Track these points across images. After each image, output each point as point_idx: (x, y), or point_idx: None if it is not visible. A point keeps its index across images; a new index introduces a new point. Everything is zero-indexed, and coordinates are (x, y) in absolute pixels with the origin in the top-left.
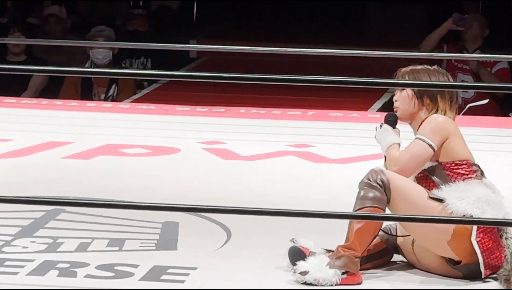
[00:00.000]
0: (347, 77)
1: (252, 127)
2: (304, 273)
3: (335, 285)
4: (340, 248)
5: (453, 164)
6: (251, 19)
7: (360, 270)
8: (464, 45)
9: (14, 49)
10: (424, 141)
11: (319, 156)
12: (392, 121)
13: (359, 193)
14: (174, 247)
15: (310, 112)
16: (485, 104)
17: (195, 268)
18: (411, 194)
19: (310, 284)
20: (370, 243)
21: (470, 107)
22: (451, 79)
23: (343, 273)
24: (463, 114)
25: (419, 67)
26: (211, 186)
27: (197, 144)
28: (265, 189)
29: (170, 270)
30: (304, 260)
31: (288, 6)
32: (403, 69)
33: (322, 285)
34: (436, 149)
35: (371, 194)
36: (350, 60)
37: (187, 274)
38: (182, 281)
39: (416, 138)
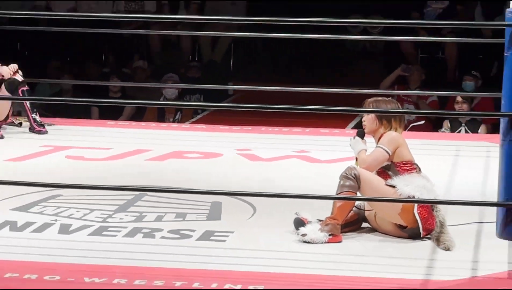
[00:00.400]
0: (332, 106)
1: (269, 139)
2: (304, 235)
3: (324, 243)
4: (327, 218)
5: (401, 163)
6: (267, 69)
7: (341, 233)
8: (408, 85)
9: (113, 89)
10: (382, 148)
11: (313, 158)
12: (361, 134)
13: (339, 182)
14: (218, 218)
15: (307, 129)
16: (422, 124)
17: (232, 232)
18: (374, 183)
19: (308, 242)
20: (347, 215)
21: (412, 126)
22: (400, 107)
23: (329, 235)
24: (407, 131)
25: (379, 98)
26: (243, 178)
27: (234, 151)
28: (278, 180)
29: (216, 233)
30: (304, 227)
31: (288, 59)
32: (369, 100)
33: (315, 243)
34: (390, 154)
35: (347, 183)
36: (336, 95)
37: (227, 236)
38: (224, 241)
39: (377, 147)
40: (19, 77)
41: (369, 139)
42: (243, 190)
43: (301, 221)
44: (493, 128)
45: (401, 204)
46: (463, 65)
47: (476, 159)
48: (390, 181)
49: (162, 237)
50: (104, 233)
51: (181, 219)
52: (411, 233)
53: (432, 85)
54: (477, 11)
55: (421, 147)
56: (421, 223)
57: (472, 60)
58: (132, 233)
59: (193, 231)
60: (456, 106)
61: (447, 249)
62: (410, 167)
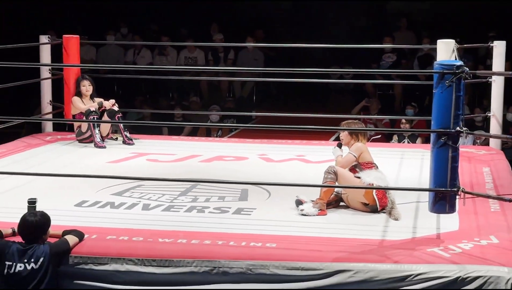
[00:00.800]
0: (320, 126)
1: (279, 148)
2: (302, 210)
3: (315, 215)
4: (317, 199)
5: (364, 163)
6: (278, 102)
7: (326, 209)
8: (370, 112)
9: (177, 115)
10: (351, 154)
11: (308, 160)
12: (339, 145)
13: (324, 175)
14: (246, 199)
15: (304, 141)
16: (379, 137)
17: (255, 208)
18: (346, 176)
19: (304, 215)
20: (330, 197)
21: (372, 139)
22: (364, 126)
23: (318, 210)
24: (370, 142)
25: (351, 121)
26: (262, 172)
27: (256, 155)
28: (285, 174)
29: (244, 209)
30: (302, 205)
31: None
32: (344, 122)
33: (309, 215)
34: (356, 157)
35: (329, 176)
36: (322, 118)
37: (252, 211)
38: (250, 214)
39: (348, 153)
40: (115, 108)
41: (345, 148)
42: (262, 181)
43: (300, 201)
44: (426, 140)
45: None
46: (406, 98)
47: (415, 161)
48: (357, 174)
49: (210, 212)
50: (172, 209)
51: (222, 200)
52: (372, 209)
53: (386, 112)
54: (415, 63)
55: (378, 152)
56: (378, 201)
57: (412, 95)
58: (189, 209)
59: (229, 208)
60: (402, 126)
61: (396, 219)
62: (370, 165)
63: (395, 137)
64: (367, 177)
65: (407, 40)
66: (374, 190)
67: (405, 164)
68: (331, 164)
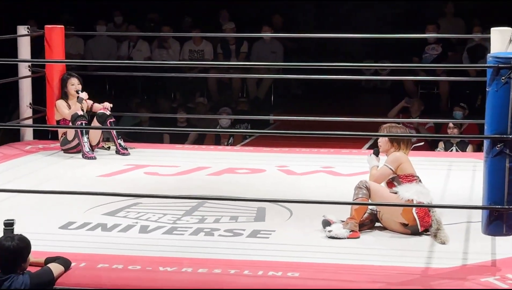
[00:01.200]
0: (351, 132)
1: (302, 158)
2: (330, 231)
3: (346, 237)
4: (347, 219)
5: (403, 176)
6: (300, 103)
7: (359, 230)
8: (410, 114)
9: (180, 120)
10: (387, 166)
11: (337, 172)
12: (376, 153)
13: (355, 191)
14: (263, 220)
15: (332, 150)
16: (422, 145)
17: (274, 231)
18: (381, 192)
19: (333, 237)
20: (363, 216)
21: (414, 146)
22: (408, 132)
23: (350, 231)
24: (411, 150)
25: (393, 124)
26: (281, 188)
27: (274, 167)
28: (309, 189)
29: (261, 232)
30: (330, 226)
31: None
32: (384, 125)
33: (339, 238)
34: (393, 170)
35: (361, 192)
36: (354, 122)
37: (270, 234)
38: (268, 237)
39: (383, 165)
40: (107, 111)
41: (383, 157)
42: (282, 198)
43: (328, 221)
44: (478, 148)
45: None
46: (454, 98)
47: (465, 172)
48: (393, 189)
49: (220, 235)
50: (175, 232)
51: (234, 220)
52: (412, 230)
53: (429, 114)
54: (464, 56)
55: (421, 163)
56: (419, 221)
57: (461, 94)
58: (196, 232)
59: (244, 230)
60: (449, 131)
61: (443, 243)
62: (411, 178)
63: (441, 145)
64: (406, 192)
65: (454, 28)
66: (414, 208)
67: (453, 177)
68: (364, 177)
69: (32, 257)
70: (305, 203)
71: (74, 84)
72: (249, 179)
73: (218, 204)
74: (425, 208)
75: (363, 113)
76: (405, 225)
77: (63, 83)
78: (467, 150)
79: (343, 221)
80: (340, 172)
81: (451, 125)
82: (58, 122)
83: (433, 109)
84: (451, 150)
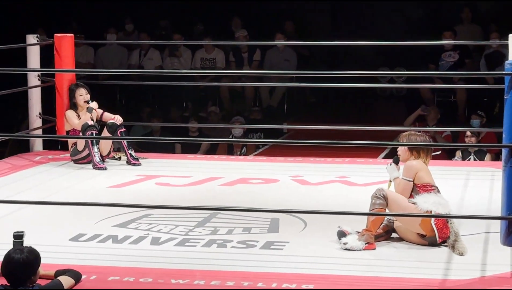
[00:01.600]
0: (366, 141)
1: (316, 168)
2: (345, 243)
3: (361, 249)
4: (363, 230)
5: (421, 185)
6: (314, 112)
7: (375, 241)
8: (427, 122)
9: (192, 129)
10: (405, 179)
11: (352, 182)
12: (396, 161)
13: (371, 201)
14: (277, 231)
15: (347, 159)
16: (439, 154)
17: (288, 242)
18: (399, 201)
19: (348, 249)
20: (379, 227)
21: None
22: (427, 140)
23: (365, 243)
24: None
25: (412, 132)
26: (295, 198)
27: (288, 177)
28: (323, 200)
29: (275, 243)
30: (345, 237)
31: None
32: (403, 133)
33: (354, 250)
34: (412, 180)
35: (378, 202)
36: (369, 131)
37: (284, 245)
38: (281, 249)
39: (401, 179)
40: (118, 121)
41: (402, 165)
42: (296, 209)
43: (343, 232)
44: (496, 157)
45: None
46: (471, 106)
47: (483, 182)
48: (411, 199)
49: (233, 247)
50: (187, 244)
51: (247, 232)
52: (430, 241)
53: (446, 122)
54: (481, 63)
55: (438, 172)
56: (437, 232)
57: (478, 102)
58: (208, 244)
59: (257, 241)
60: (466, 139)
61: (461, 254)
62: (429, 188)
63: (459, 154)
64: (424, 203)
65: (471, 35)
66: (433, 219)
67: (471, 186)
68: (382, 186)
69: (42, 270)
70: (319, 213)
71: (82, 94)
72: (263, 189)
73: (231, 215)
74: (444, 219)
75: (379, 121)
76: (422, 236)
77: (72, 93)
78: (485, 159)
79: (358, 232)
80: (355, 182)
81: (468, 133)
82: (68, 132)
83: (450, 117)
84: (469, 159)
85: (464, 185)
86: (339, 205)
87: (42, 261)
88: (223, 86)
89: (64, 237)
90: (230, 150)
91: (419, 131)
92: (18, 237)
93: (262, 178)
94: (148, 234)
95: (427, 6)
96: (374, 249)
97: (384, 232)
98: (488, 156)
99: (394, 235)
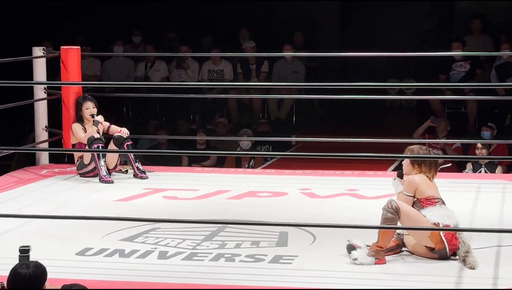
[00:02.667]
0: (375, 153)
1: (325, 180)
2: (355, 259)
3: (371, 264)
4: (373, 245)
5: (424, 199)
6: (322, 124)
7: (387, 254)
8: (437, 134)
9: (199, 142)
10: (405, 194)
11: (361, 195)
12: (400, 175)
13: (382, 214)
14: (285, 245)
15: (356, 172)
16: (449, 166)
17: (297, 256)
18: (411, 214)
19: (358, 264)
20: (390, 241)
21: (441, 168)
22: (431, 153)
23: (375, 259)
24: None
25: (417, 146)
26: (304, 212)
27: (297, 190)
28: (333, 213)
29: (284, 257)
30: (355, 250)
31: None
32: (408, 147)
33: (364, 265)
34: (412, 195)
35: (388, 215)
36: (378, 143)
37: (293, 259)
38: (290, 263)
39: (402, 193)
40: (124, 134)
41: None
42: (305, 222)
43: (353, 246)
44: (508, 169)
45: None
46: (482, 117)
47: (494, 194)
48: (421, 212)
49: (241, 261)
50: (194, 258)
51: (256, 246)
52: (440, 254)
53: (457, 134)
54: (492, 74)
55: (449, 184)
56: (447, 243)
57: (489, 114)
58: (216, 258)
59: (265, 255)
60: (477, 151)
61: (472, 268)
62: (432, 201)
63: (469, 166)
64: (431, 216)
65: (482, 45)
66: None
67: (482, 199)
68: (393, 198)
69: (48, 285)
70: (329, 227)
71: (89, 108)
72: (271, 202)
73: (239, 228)
74: (454, 232)
75: (388, 133)
76: (432, 249)
77: (78, 106)
78: (496, 171)
79: (368, 246)
80: (365, 195)
81: (479, 145)
82: (74, 145)
83: (460, 129)
84: (480, 171)
85: (475, 198)
86: (349, 218)
87: (48, 275)
88: (231, 98)
89: (71, 252)
90: (238, 163)
91: (425, 144)
92: (24, 251)
93: (270, 191)
94: (155, 248)
95: (437, 16)
96: (384, 263)
97: (396, 245)
98: (499, 168)
99: (404, 249)
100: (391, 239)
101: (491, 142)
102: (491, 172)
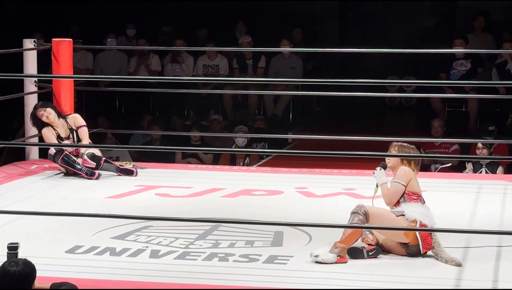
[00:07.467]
0: (373, 152)
1: (322, 179)
2: (316, 256)
3: (333, 263)
4: (337, 242)
5: (410, 193)
6: (320, 121)
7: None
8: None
9: (194, 138)
10: (399, 183)
11: (359, 195)
12: (384, 167)
13: (350, 217)
14: (280, 245)
15: (354, 171)
16: (449, 166)
17: (292, 256)
18: (381, 216)
19: (319, 262)
20: (354, 242)
21: (440, 168)
22: (418, 152)
23: (337, 256)
24: (437, 172)
25: (404, 144)
26: (300, 211)
27: (293, 189)
28: (328, 212)
29: (279, 257)
30: (320, 249)
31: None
32: (394, 143)
33: (326, 263)
34: (405, 185)
35: (356, 218)
36: (377, 142)
37: (288, 259)
38: (285, 263)
39: (394, 181)
40: (97, 152)
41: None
42: (301, 221)
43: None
44: (509, 169)
45: (406, 224)
46: (483, 116)
47: (495, 195)
48: (398, 208)
49: (235, 261)
50: (187, 257)
51: (250, 245)
52: (413, 250)
53: (457, 133)
54: (493, 72)
55: (449, 185)
56: (421, 241)
57: (490, 112)
58: (209, 257)
59: (260, 255)
60: (477, 151)
61: (458, 265)
62: (417, 197)
63: (470, 166)
64: (412, 211)
65: (483, 43)
66: (418, 227)
67: (482, 200)
68: (362, 202)
69: (37, 283)
70: (325, 227)
71: (42, 114)
72: (266, 201)
73: (233, 227)
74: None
75: (387, 132)
76: (405, 245)
77: (36, 120)
78: (497, 171)
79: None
80: (362, 194)
81: (480, 145)
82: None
83: (461, 128)
84: (480, 172)
85: (475, 199)
86: (345, 218)
87: (37, 273)
88: (226, 94)
89: (60, 249)
90: (232, 160)
91: (411, 143)
92: (13, 248)
93: (265, 190)
94: (147, 246)
95: (438, 13)
96: (345, 262)
97: (376, 244)
98: (500, 169)
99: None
100: (356, 240)
101: (492, 142)
102: (492, 173)
